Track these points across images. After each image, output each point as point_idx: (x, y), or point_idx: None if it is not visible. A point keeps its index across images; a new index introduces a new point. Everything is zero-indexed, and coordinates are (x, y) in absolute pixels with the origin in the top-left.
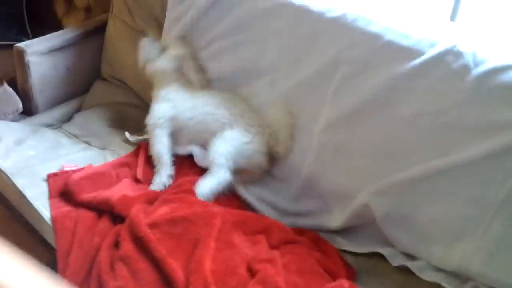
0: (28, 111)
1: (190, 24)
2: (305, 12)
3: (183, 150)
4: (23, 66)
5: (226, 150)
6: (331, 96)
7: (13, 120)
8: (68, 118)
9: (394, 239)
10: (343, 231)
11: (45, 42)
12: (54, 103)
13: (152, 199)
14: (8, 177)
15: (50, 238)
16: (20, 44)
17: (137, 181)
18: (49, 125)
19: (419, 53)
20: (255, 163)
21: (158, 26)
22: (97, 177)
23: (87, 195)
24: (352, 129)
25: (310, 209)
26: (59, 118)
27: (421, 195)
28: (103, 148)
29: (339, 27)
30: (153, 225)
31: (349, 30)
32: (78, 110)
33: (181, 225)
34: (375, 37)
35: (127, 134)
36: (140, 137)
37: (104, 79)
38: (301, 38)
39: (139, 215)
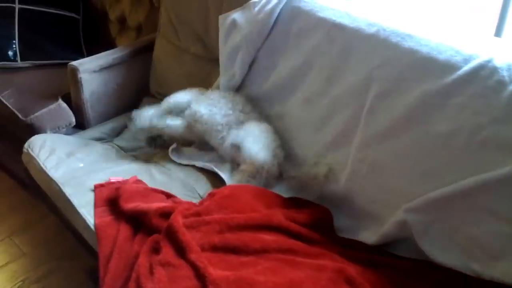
0: (80, 125)
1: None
2: (338, 30)
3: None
4: (76, 83)
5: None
6: (365, 114)
7: (66, 133)
8: (118, 133)
9: (432, 255)
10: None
11: (96, 61)
12: (105, 118)
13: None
14: (58, 186)
15: (94, 244)
16: (74, 63)
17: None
18: (100, 139)
19: (454, 69)
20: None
21: (201, 44)
22: (143, 193)
23: (130, 204)
24: (387, 146)
25: (345, 225)
26: (109, 132)
27: (459, 212)
28: (148, 161)
29: (372, 45)
30: (192, 229)
31: (382, 47)
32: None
33: (228, 235)
34: (408, 53)
35: (170, 151)
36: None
37: (152, 96)
38: (334, 56)
39: (178, 220)
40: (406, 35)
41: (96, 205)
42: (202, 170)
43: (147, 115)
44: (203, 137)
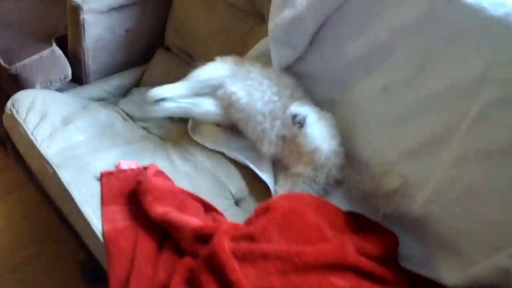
0: (77, 78)
1: None
2: (447, 5)
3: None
4: (77, 25)
5: None
6: (469, 122)
7: (60, 89)
8: (124, 92)
9: None
10: None
11: None
12: (108, 72)
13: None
14: (52, 168)
15: (101, 257)
16: None
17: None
18: (101, 99)
19: None
20: None
21: None
22: (175, 196)
23: (158, 209)
24: (494, 168)
25: (415, 254)
26: (113, 91)
27: None
28: (163, 138)
29: (496, 32)
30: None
31: (510, 38)
32: (136, 83)
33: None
34: None
35: (189, 128)
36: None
37: (168, 49)
38: (434, 39)
39: (225, 246)
40: None
41: (103, 202)
42: (231, 159)
43: (170, 98)
44: (237, 124)
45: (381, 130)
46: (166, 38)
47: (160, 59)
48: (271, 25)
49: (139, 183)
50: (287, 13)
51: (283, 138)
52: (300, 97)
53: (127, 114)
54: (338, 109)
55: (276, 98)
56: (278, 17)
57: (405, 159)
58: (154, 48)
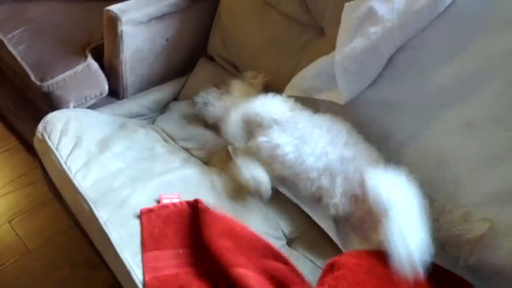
0: (113, 92)
1: None
2: None
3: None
4: (115, 37)
5: None
6: None
7: (95, 105)
8: (162, 107)
9: None
10: None
11: (145, 8)
12: (146, 85)
13: None
14: (88, 205)
15: None
16: (113, 9)
17: None
18: (138, 115)
19: None
20: None
21: (298, 1)
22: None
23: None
24: None
25: None
26: (151, 106)
27: None
28: (206, 162)
29: None
30: None
31: None
32: (175, 96)
33: None
34: None
35: (230, 149)
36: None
37: (211, 58)
38: None
39: None
40: None
41: (144, 247)
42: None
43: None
44: (284, 181)
45: (463, 171)
46: (209, 47)
47: (202, 70)
48: (338, 56)
49: (200, 222)
50: (359, 44)
51: (354, 198)
52: (354, 143)
53: (167, 134)
54: (412, 145)
55: (329, 149)
56: (347, 48)
57: (491, 203)
58: (196, 57)
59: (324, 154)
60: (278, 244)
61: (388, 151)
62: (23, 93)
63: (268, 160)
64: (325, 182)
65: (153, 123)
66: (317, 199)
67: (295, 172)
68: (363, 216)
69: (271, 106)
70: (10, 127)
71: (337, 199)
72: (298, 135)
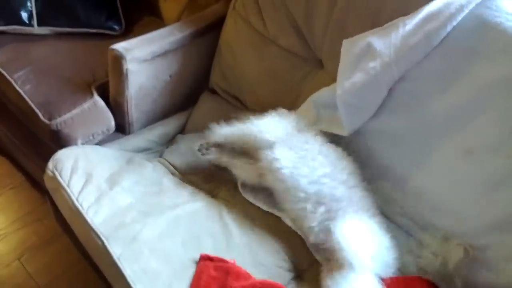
0: (119, 127)
1: None
2: None
3: None
4: (120, 75)
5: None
6: None
7: (102, 141)
8: (168, 140)
9: None
10: None
11: (148, 46)
12: (151, 119)
13: None
14: (101, 240)
15: None
16: (118, 47)
17: None
18: (146, 149)
19: None
20: None
21: (297, 36)
22: None
23: None
24: None
25: None
26: (157, 140)
27: None
28: (214, 196)
29: None
30: None
31: None
32: (180, 130)
33: None
34: None
35: (239, 183)
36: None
37: (213, 91)
38: None
39: None
40: None
41: None
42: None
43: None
44: (275, 195)
45: (462, 199)
46: (211, 80)
47: (205, 103)
48: (339, 91)
49: None
50: (359, 79)
51: (327, 233)
52: (352, 186)
53: (174, 167)
54: (413, 173)
55: (326, 180)
56: (347, 83)
57: (491, 231)
58: (199, 91)
59: (318, 182)
60: (289, 277)
61: (389, 180)
62: (29, 131)
63: (264, 172)
64: (309, 206)
65: (160, 156)
66: (299, 222)
67: (286, 188)
68: (331, 254)
69: (274, 125)
70: (17, 164)
71: (313, 225)
72: (302, 155)
